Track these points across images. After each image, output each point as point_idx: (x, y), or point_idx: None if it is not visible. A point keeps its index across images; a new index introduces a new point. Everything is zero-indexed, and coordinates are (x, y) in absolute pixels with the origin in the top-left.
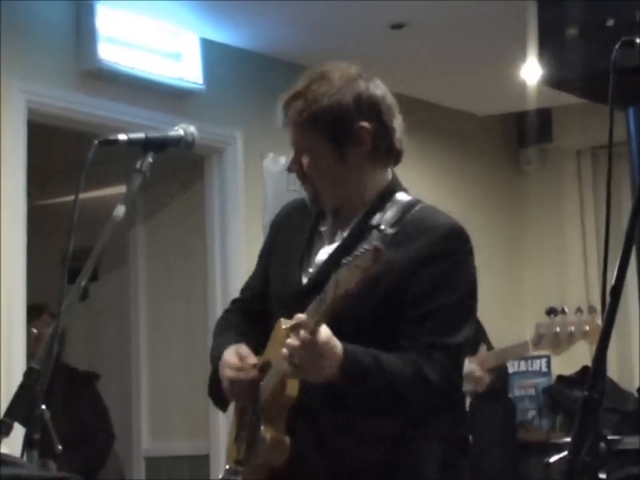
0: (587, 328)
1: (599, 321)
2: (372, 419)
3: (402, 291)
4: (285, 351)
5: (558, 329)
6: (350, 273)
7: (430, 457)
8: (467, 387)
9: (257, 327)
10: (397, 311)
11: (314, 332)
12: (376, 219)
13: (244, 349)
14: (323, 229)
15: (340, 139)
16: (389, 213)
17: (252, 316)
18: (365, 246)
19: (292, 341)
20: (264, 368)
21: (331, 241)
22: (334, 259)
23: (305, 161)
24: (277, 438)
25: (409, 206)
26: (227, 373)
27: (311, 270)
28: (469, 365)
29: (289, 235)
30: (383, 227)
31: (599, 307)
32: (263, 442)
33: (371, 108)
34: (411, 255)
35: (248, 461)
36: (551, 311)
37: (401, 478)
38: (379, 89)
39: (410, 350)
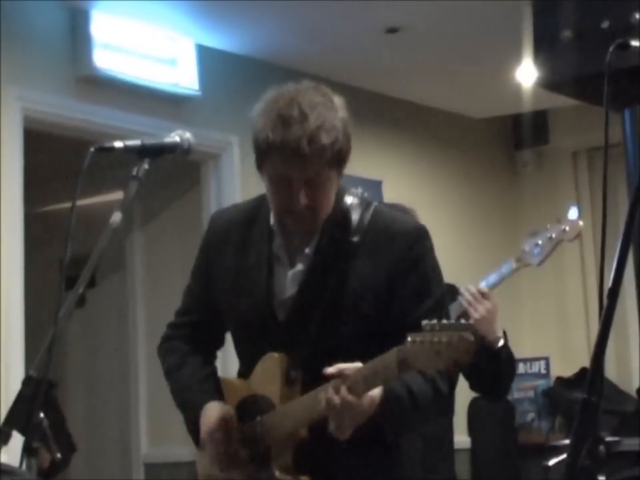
0: (566, 228)
1: (579, 221)
2: (366, 439)
3: (383, 301)
4: (325, 406)
5: (539, 241)
6: (423, 354)
7: (413, 457)
8: (475, 310)
9: (209, 348)
10: (382, 323)
11: (362, 394)
12: (337, 233)
13: (229, 419)
14: (278, 251)
15: (346, 161)
16: (347, 223)
17: (199, 339)
18: (448, 334)
19: (335, 399)
20: (254, 401)
21: (292, 263)
22: (307, 286)
23: (314, 191)
24: None
25: (363, 210)
26: (216, 449)
27: (282, 297)
28: (473, 287)
29: (235, 254)
30: (345, 239)
31: (596, 311)
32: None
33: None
34: (386, 265)
35: None
36: (534, 233)
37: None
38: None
39: None
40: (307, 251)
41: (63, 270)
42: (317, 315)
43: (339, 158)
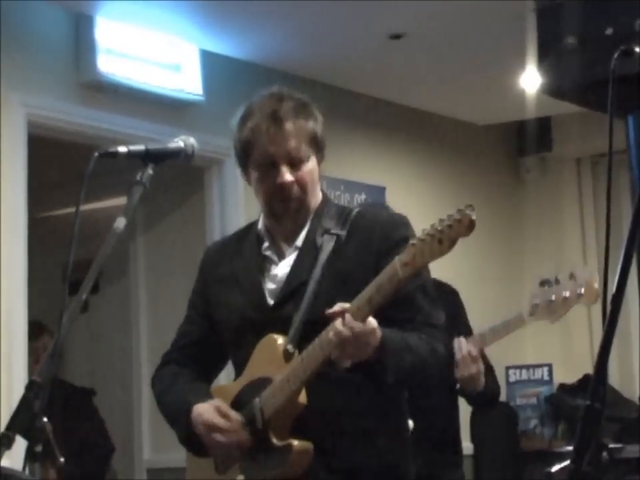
0: (582, 290)
1: (595, 284)
2: (362, 413)
3: (371, 278)
4: (333, 338)
5: (553, 297)
6: (424, 250)
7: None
8: (464, 370)
9: (204, 367)
10: None
11: (365, 320)
12: (323, 225)
13: (222, 405)
14: (267, 252)
15: (322, 156)
16: (333, 218)
17: (194, 359)
18: (448, 220)
19: (344, 330)
20: (251, 387)
21: (281, 257)
22: (297, 271)
23: (299, 169)
24: (302, 445)
25: (347, 211)
26: (218, 438)
27: (273, 286)
28: (465, 346)
29: (226, 269)
30: (333, 231)
31: (599, 317)
32: (283, 452)
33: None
34: (369, 250)
35: (257, 476)
36: (545, 282)
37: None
38: None
39: (409, 330)
40: (297, 243)
41: (66, 275)
42: (307, 296)
43: (315, 141)
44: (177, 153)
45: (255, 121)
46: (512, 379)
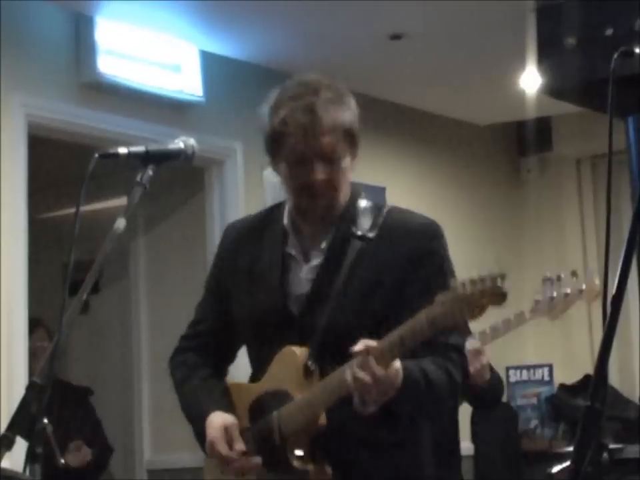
0: (583, 287)
1: (597, 281)
2: (379, 431)
3: (397, 292)
4: (352, 383)
5: (554, 294)
6: (453, 310)
7: (426, 462)
8: (469, 366)
9: (219, 360)
10: (394, 316)
11: (388, 366)
12: (352, 227)
13: (231, 427)
14: (291, 251)
15: (356, 149)
16: (362, 220)
17: (210, 350)
18: (479, 285)
19: (364, 377)
20: (270, 397)
21: (306, 259)
22: (321, 280)
23: (332, 167)
24: (320, 471)
25: (377, 209)
26: (220, 458)
27: (296, 293)
28: (470, 342)
29: (249, 258)
30: (361, 233)
31: (600, 318)
32: (301, 475)
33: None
34: (397, 259)
35: None
36: (547, 280)
37: None
38: None
39: (428, 352)
40: (323, 245)
41: (66, 276)
42: (330, 307)
43: (351, 136)
44: (177, 154)
45: (288, 112)
46: (512, 379)
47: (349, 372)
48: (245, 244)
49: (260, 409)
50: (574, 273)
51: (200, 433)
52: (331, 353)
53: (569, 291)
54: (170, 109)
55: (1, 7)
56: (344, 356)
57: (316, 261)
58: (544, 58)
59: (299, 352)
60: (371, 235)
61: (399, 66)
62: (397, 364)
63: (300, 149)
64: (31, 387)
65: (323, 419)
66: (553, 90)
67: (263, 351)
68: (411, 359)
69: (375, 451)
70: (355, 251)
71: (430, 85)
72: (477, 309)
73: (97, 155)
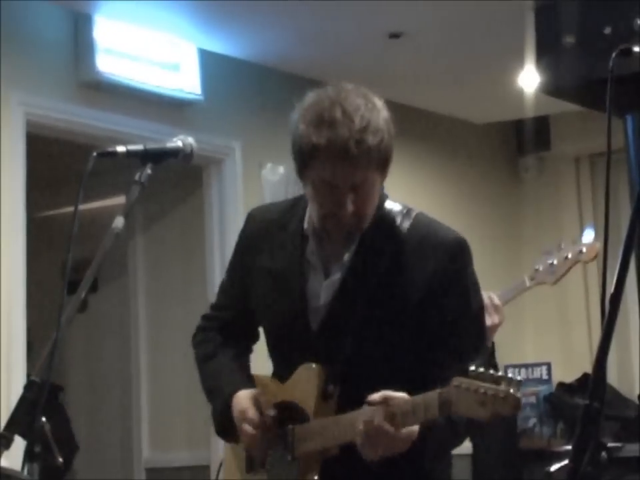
0: (583, 249)
1: (597, 244)
2: (397, 460)
3: (421, 314)
4: (362, 433)
5: (555, 261)
6: (466, 401)
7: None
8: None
9: (243, 342)
10: (417, 337)
11: (397, 428)
12: (376, 240)
13: (261, 398)
14: (311, 258)
15: (387, 170)
16: (386, 230)
17: (233, 332)
18: (493, 387)
19: (373, 432)
20: (289, 408)
21: (327, 270)
22: (342, 296)
23: (361, 197)
24: None
25: (403, 217)
26: (247, 429)
27: (315, 305)
28: (491, 295)
29: (268, 255)
30: (385, 247)
31: (598, 316)
32: None
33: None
34: (423, 275)
35: None
36: (547, 251)
37: None
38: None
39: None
40: (345, 258)
41: (65, 274)
42: (353, 325)
43: (384, 160)
44: (175, 153)
45: (321, 141)
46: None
47: (362, 420)
48: (266, 239)
49: (279, 414)
50: (574, 241)
51: (222, 410)
52: (351, 376)
53: (569, 255)
54: (169, 108)
55: (0, 6)
56: (364, 380)
57: (337, 274)
58: (542, 57)
59: (319, 372)
60: (395, 249)
61: (398, 64)
62: (412, 431)
63: (328, 178)
64: (29, 386)
65: (335, 450)
66: (551, 89)
67: (281, 355)
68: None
69: (389, 464)
70: (378, 268)
71: (428, 84)
72: (488, 410)
73: (95, 154)
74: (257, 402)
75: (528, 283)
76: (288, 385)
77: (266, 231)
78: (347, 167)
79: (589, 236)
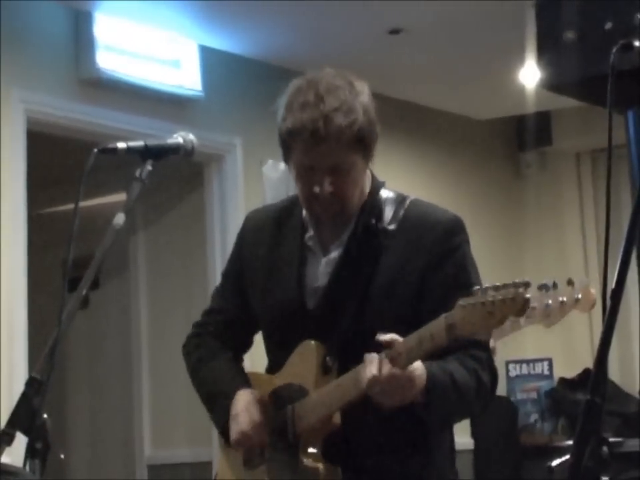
0: (579, 296)
1: (593, 290)
2: (402, 436)
3: (418, 289)
4: (365, 382)
5: (550, 301)
6: (473, 316)
7: (445, 458)
8: None
9: (236, 347)
10: (416, 311)
11: (404, 368)
12: (373, 220)
13: (260, 399)
14: (309, 242)
15: (371, 147)
16: (383, 213)
17: (227, 338)
18: (501, 292)
19: (377, 376)
20: (287, 390)
21: (325, 252)
22: (340, 273)
23: (340, 178)
24: (329, 471)
25: (399, 202)
26: (237, 437)
27: (314, 285)
28: None
29: (268, 248)
30: (382, 226)
31: (600, 312)
32: (311, 474)
33: (377, 111)
34: (420, 253)
35: None
36: (543, 287)
37: None
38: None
39: (454, 348)
40: (342, 238)
41: (66, 271)
42: (349, 302)
43: (361, 142)
44: (176, 149)
45: (295, 124)
46: (512, 373)
47: (364, 372)
48: (264, 234)
49: (276, 402)
50: (570, 282)
51: (224, 412)
52: (350, 350)
53: (565, 299)
54: (169, 105)
55: (1, 3)
56: (363, 353)
57: (335, 253)
58: (543, 52)
59: (318, 347)
60: (392, 228)
61: (398, 61)
62: (418, 365)
63: (305, 162)
64: (30, 383)
65: (337, 419)
66: (552, 84)
67: (280, 343)
68: (438, 357)
69: (390, 457)
70: (375, 245)
71: (429, 80)
72: (497, 317)
73: (95, 150)
74: (250, 418)
75: (522, 323)
76: (285, 368)
77: (263, 229)
78: (317, 147)
79: (582, 282)
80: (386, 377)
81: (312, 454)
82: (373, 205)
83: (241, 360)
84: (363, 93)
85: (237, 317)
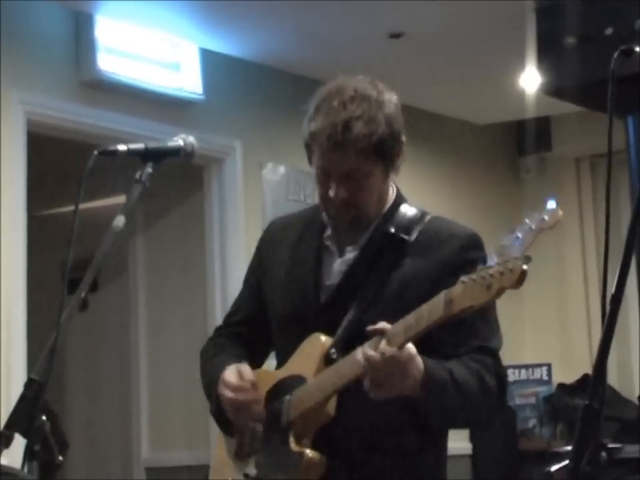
0: (546, 217)
1: (560, 211)
2: (397, 436)
3: (426, 297)
4: (362, 361)
5: (519, 234)
6: (472, 291)
7: (430, 470)
8: None
9: (252, 347)
10: None
11: (401, 347)
12: (392, 228)
13: (245, 367)
14: (327, 242)
15: (393, 158)
16: (403, 222)
17: (243, 338)
18: (501, 265)
19: (374, 354)
20: (287, 381)
21: (341, 253)
22: (354, 272)
23: (355, 185)
24: (314, 457)
25: (419, 216)
26: (226, 394)
27: (327, 283)
28: None
29: (289, 249)
30: (400, 235)
31: (598, 317)
32: (295, 458)
33: (402, 119)
34: (435, 264)
35: (267, 475)
36: (512, 228)
37: None
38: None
39: (460, 356)
40: (359, 241)
41: (65, 273)
42: (358, 301)
43: (380, 152)
44: (176, 152)
45: (317, 128)
46: (511, 378)
47: (360, 351)
48: (290, 232)
49: (276, 393)
50: (537, 211)
51: (213, 394)
52: (354, 347)
53: (533, 226)
54: (170, 107)
55: (1, 5)
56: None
57: (350, 255)
58: (544, 57)
59: (324, 339)
60: (409, 238)
61: (398, 65)
62: (411, 348)
63: (323, 165)
64: (29, 384)
65: (331, 409)
66: (552, 89)
67: (288, 341)
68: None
69: (379, 456)
70: (391, 251)
71: (429, 84)
72: (494, 290)
73: (96, 152)
74: (237, 370)
75: (496, 260)
76: (289, 361)
77: (285, 232)
78: (334, 153)
79: (551, 205)
80: (382, 354)
81: (303, 440)
82: (394, 214)
83: (265, 357)
84: (390, 104)
85: (253, 316)
